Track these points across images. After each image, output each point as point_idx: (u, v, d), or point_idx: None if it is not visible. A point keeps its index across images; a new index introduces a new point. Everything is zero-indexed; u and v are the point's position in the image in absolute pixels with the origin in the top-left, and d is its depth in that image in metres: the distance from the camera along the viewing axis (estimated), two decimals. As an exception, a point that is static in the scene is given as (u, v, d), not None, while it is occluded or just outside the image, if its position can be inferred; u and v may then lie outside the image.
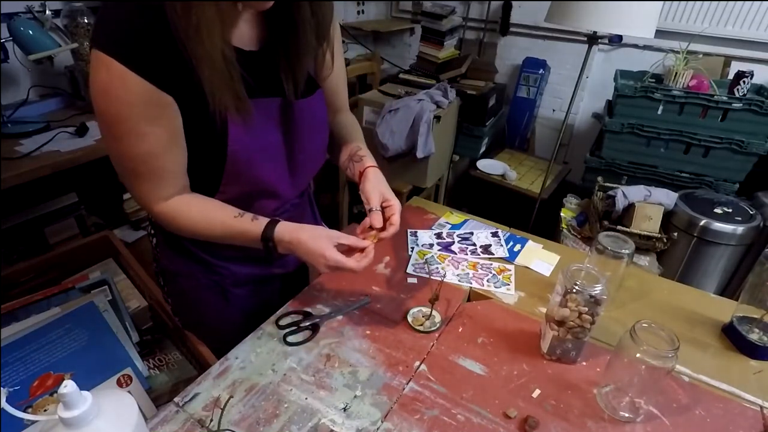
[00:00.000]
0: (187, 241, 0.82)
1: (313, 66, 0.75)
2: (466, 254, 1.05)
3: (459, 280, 0.96)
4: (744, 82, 1.95)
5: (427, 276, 0.96)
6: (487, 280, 0.97)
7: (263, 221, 0.72)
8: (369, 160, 0.85)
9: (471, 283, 0.96)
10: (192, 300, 0.91)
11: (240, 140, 0.68)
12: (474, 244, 1.08)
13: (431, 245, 1.07)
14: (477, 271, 0.99)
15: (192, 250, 0.84)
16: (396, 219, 0.78)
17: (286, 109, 0.74)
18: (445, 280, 0.96)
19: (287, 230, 0.72)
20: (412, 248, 1.05)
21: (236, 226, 0.72)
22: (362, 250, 0.74)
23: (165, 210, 0.70)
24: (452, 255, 1.04)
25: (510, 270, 1.00)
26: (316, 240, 0.70)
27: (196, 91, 0.61)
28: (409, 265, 0.99)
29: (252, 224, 0.72)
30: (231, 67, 0.60)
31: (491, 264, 1.02)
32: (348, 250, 0.73)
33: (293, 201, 0.89)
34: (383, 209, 0.78)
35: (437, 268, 0.99)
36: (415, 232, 1.11)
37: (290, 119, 0.75)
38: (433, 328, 0.83)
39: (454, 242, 1.09)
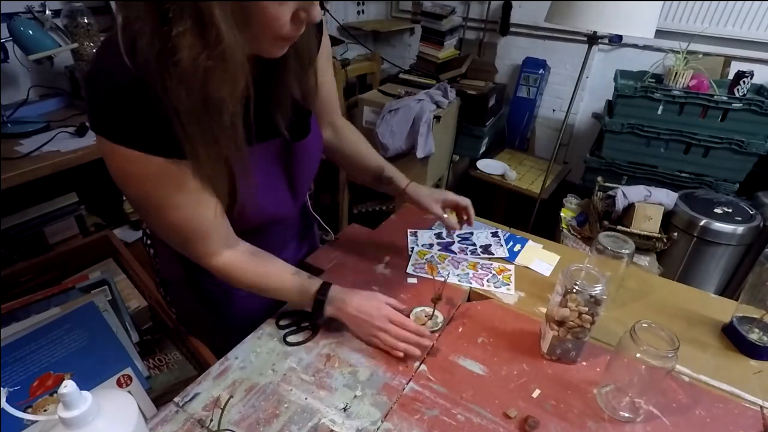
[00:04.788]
0: None
1: (299, 94, 0.73)
2: (466, 254, 1.05)
3: (459, 280, 0.96)
4: (744, 82, 1.95)
5: (431, 277, 0.96)
6: (487, 280, 0.97)
7: (317, 281, 0.79)
8: (401, 180, 0.95)
9: (471, 283, 0.96)
10: (196, 307, 0.90)
11: (247, 185, 0.70)
12: (474, 244, 1.08)
13: (431, 245, 1.07)
14: (477, 271, 0.99)
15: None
16: (465, 202, 0.95)
17: (286, 147, 0.75)
18: (447, 280, 0.96)
19: (340, 289, 0.79)
20: (412, 248, 1.05)
21: (295, 283, 0.78)
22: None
23: (220, 268, 0.73)
24: (452, 255, 1.04)
25: (510, 270, 1.00)
26: (370, 298, 0.79)
27: None
28: (409, 266, 0.99)
29: (309, 282, 0.78)
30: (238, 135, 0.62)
31: (491, 264, 1.02)
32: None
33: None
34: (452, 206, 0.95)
35: (439, 269, 0.99)
36: (415, 232, 1.11)
37: (291, 155, 0.77)
38: (435, 328, 0.83)
39: (454, 242, 1.09)
